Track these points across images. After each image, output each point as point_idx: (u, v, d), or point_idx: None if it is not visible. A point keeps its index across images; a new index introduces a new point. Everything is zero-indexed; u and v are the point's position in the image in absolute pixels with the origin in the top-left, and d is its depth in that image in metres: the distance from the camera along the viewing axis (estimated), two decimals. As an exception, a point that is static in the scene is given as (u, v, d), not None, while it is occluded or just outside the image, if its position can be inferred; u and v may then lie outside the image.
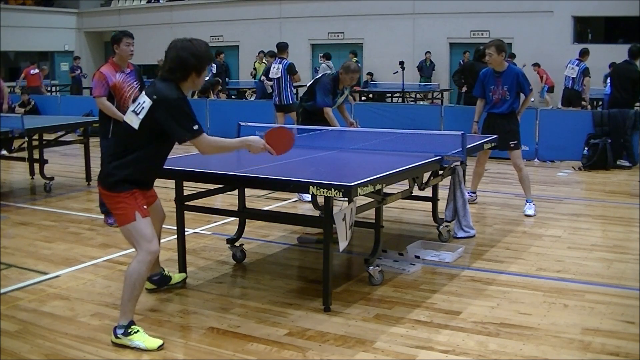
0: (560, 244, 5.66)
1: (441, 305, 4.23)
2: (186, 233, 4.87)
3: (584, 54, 12.76)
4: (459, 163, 5.28)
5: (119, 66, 6.04)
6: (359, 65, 7.05)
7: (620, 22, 18.07)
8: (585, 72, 12.53)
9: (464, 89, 12.43)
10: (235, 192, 5.05)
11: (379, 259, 4.78)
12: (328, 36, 21.92)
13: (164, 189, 4.15)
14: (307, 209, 6.90)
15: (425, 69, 19.73)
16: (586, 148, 9.68)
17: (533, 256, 5.28)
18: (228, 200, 6.21)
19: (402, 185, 5.14)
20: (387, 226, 5.65)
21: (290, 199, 7.45)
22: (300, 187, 4.31)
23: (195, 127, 3.61)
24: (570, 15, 18.46)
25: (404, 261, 5.09)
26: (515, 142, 6.72)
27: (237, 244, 5.18)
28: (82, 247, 5.60)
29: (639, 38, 14.30)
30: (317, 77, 7.22)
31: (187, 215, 4.70)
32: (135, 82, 6.15)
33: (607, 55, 14.22)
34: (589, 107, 13.18)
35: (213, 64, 16.16)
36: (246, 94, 18.36)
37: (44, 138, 8.34)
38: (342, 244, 4.08)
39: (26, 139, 8.09)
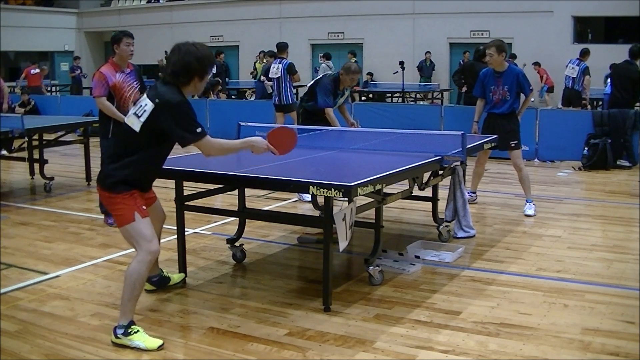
0: (560, 244, 5.67)
1: (441, 305, 4.23)
2: (186, 233, 4.87)
3: (584, 54, 12.77)
4: (459, 163, 5.28)
5: (119, 66, 6.04)
6: (359, 66, 7.03)
7: (620, 22, 18.07)
8: (585, 72, 12.54)
9: (464, 89, 12.43)
10: (235, 192, 5.05)
11: (379, 259, 4.78)
12: (328, 36, 21.92)
13: (164, 189, 4.15)
14: (307, 209, 6.90)
15: (425, 69, 19.73)
16: (586, 148, 9.68)
17: (533, 256, 5.28)
18: (228, 200, 6.21)
19: (402, 185, 5.14)
20: (387, 226, 5.65)
21: (290, 199, 7.45)
22: (300, 187, 4.31)
23: (199, 129, 3.62)
24: (570, 15, 18.46)
25: (404, 261, 5.09)
26: (516, 142, 6.72)
27: (237, 244, 5.18)
28: (82, 247, 5.60)
29: (639, 38, 14.30)
30: (318, 77, 7.22)
31: (187, 215, 4.70)
32: (135, 82, 6.16)
33: (607, 55, 14.19)
34: (588, 107, 13.18)
35: (213, 64, 16.16)
36: (246, 94, 18.37)
37: (44, 138, 8.34)
38: (342, 244, 4.08)
39: (26, 139, 8.09)
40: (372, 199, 4.61)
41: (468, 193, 6.49)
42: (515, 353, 3.53)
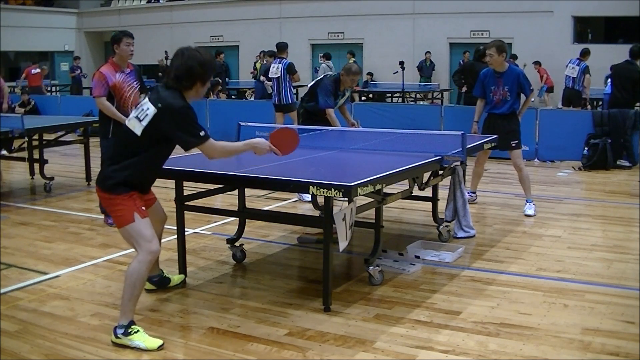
0: (560, 244, 5.67)
1: (441, 305, 4.23)
2: (186, 233, 4.87)
3: (584, 54, 12.77)
4: (459, 163, 5.28)
5: (119, 66, 6.04)
6: (359, 66, 7.04)
7: (620, 22, 18.06)
8: (585, 71, 12.55)
9: (464, 89, 12.43)
10: (235, 192, 5.05)
11: (379, 259, 4.78)
12: (328, 36, 21.92)
13: (164, 189, 4.15)
14: (307, 209, 6.90)
15: (425, 69, 19.72)
16: (586, 148, 9.68)
17: (533, 256, 5.28)
18: (228, 200, 6.21)
19: (402, 185, 5.14)
20: (387, 226, 5.65)
21: (290, 199, 7.45)
22: (300, 187, 4.31)
23: (202, 133, 3.65)
24: (570, 15, 18.46)
25: (404, 261, 5.09)
26: (516, 141, 6.72)
27: (237, 244, 5.18)
28: (82, 247, 5.60)
29: (639, 38, 14.30)
30: (319, 78, 7.22)
31: (187, 215, 4.70)
32: (135, 82, 6.16)
33: (607, 55, 14.19)
34: (588, 106, 13.18)
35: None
36: (246, 94, 18.37)
37: (44, 138, 8.34)
38: (342, 244, 4.08)
39: (26, 139, 8.09)
40: (372, 199, 4.61)
41: (468, 193, 6.49)
42: (515, 353, 3.53)
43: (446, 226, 5.79)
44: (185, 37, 24.14)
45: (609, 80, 11.37)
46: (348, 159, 5.23)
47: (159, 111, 3.58)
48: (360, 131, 6.78)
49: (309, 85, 7.28)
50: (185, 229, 4.77)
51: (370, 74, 20.02)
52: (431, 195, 5.82)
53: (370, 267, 4.58)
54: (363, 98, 17.14)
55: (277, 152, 4.03)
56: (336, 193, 3.74)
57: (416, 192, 5.31)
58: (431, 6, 19.95)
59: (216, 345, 3.64)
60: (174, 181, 4.56)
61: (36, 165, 8.24)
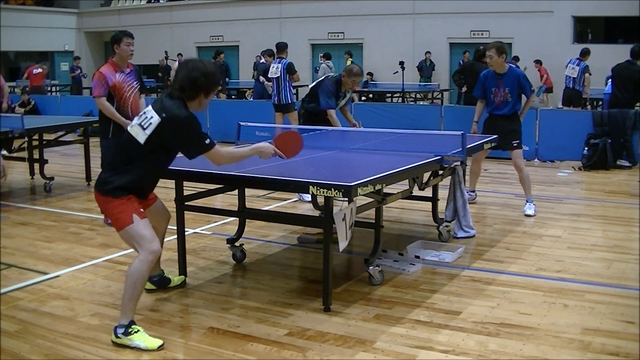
0: (560, 244, 5.67)
1: (441, 305, 4.23)
2: (186, 233, 4.87)
3: (584, 53, 12.78)
4: (459, 163, 5.28)
5: (119, 66, 6.04)
6: (360, 67, 7.04)
7: (620, 22, 18.07)
8: (585, 70, 12.55)
9: (464, 89, 12.43)
10: (235, 192, 5.05)
11: (379, 259, 4.78)
12: (328, 36, 21.92)
13: (164, 189, 4.16)
14: (307, 209, 6.90)
15: (425, 69, 19.72)
16: (586, 148, 9.68)
17: (533, 256, 5.28)
18: (228, 200, 6.21)
19: (402, 185, 5.14)
20: (387, 226, 5.65)
21: (290, 199, 7.45)
22: (300, 187, 4.32)
23: (207, 141, 3.71)
24: (570, 15, 18.46)
25: (404, 261, 5.09)
26: (518, 141, 6.72)
27: (237, 244, 5.18)
28: (82, 247, 5.60)
29: (639, 38, 14.30)
30: (320, 79, 7.22)
31: (187, 215, 4.70)
32: (135, 82, 6.15)
33: (607, 55, 14.21)
34: (588, 106, 13.18)
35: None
36: (246, 94, 18.36)
37: (44, 138, 8.34)
38: (342, 244, 4.08)
39: (26, 139, 8.09)
40: (372, 199, 4.61)
41: (467, 192, 6.49)
42: (515, 353, 3.53)
43: (446, 226, 5.79)
44: (185, 37, 24.19)
45: (610, 80, 11.38)
46: (348, 159, 5.23)
47: (163, 121, 3.61)
48: (360, 131, 6.78)
49: (310, 86, 7.28)
50: (185, 229, 4.77)
51: (370, 74, 20.01)
52: (431, 195, 5.82)
53: (370, 267, 4.58)
54: (363, 98, 17.14)
55: (281, 156, 4.09)
56: (336, 193, 3.74)
57: (416, 192, 5.31)
58: (431, 6, 19.95)
59: (216, 345, 3.64)
60: (174, 181, 4.56)
61: (36, 165, 8.24)
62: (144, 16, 25.33)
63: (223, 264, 5.16)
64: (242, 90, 18.78)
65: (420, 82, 19.53)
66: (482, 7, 19.01)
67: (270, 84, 10.95)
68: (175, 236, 4.71)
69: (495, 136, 6.27)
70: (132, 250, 4.04)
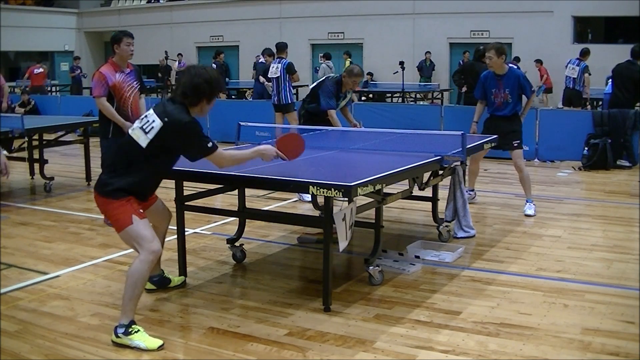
0: (560, 244, 5.67)
1: (441, 305, 4.23)
2: (186, 233, 4.87)
3: (584, 53, 12.78)
4: (459, 163, 5.28)
5: (119, 66, 6.04)
6: (361, 68, 7.04)
7: (620, 22, 18.07)
8: (585, 70, 12.55)
9: (464, 89, 12.43)
10: (235, 192, 5.05)
11: (379, 259, 4.78)
12: (328, 36, 21.92)
13: (164, 189, 4.16)
14: (307, 209, 6.90)
15: (425, 69, 19.72)
16: (586, 148, 9.68)
17: (533, 256, 5.28)
18: (228, 200, 6.21)
19: (402, 185, 5.14)
20: (387, 226, 5.65)
21: (290, 199, 7.45)
22: (300, 187, 4.32)
23: (209, 144, 3.75)
24: (570, 15, 18.46)
25: (404, 261, 5.09)
26: (518, 141, 6.72)
27: (237, 244, 5.18)
28: (82, 247, 5.60)
29: (639, 38, 14.31)
30: (320, 80, 7.22)
31: (187, 215, 4.71)
32: (135, 82, 6.15)
33: (607, 55, 14.21)
34: (588, 106, 13.17)
35: (213, 64, 16.17)
36: (246, 94, 18.37)
37: (44, 138, 8.34)
38: (342, 244, 4.08)
39: (26, 139, 8.09)
40: (372, 199, 4.61)
41: (467, 191, 6.49)
42: (515, 353, 3.53)
43: (446, 226, 5.79)
44: (185, 37, 24.20)
45: (610, 80, 11.38)
46: (348, 159, 5.23)
47: (165, 125, 3.64)
48: (360, 131, 6.78)
49: (311, 86, 7.28)
50: (185, 229, 4.77)
51: (370, 74, 20.01)
52: (431, 195, 5.82)
53: (370, 267, 4.58)
54: (363, 98, 17.14)
55: (283, 158, 4.13)
56: (336, 193, 3.74)
57: (416, 192, 5.31)
58: (431, 6, 19.95)
59: (216, 345, 3.64)
60: (174, 181, 4.56)
61: (36, 165, 8.25)
62: (144, 16, 25.34)
63: (223, 264, 5.16)
64: (242, 90, 18.78)
65: (420, 82, 19.54)
66: (482, 7, 19.01)
67: (270, 84, 10.95)
68: (175, 236, 4.71)
69: (495, 136, 6.28)
70: (132, 250, 4.04)
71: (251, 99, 16.10)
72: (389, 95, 17.67)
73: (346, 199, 3.92)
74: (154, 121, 3.67)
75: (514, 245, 5.62)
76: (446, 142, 5.51)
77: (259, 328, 3.86)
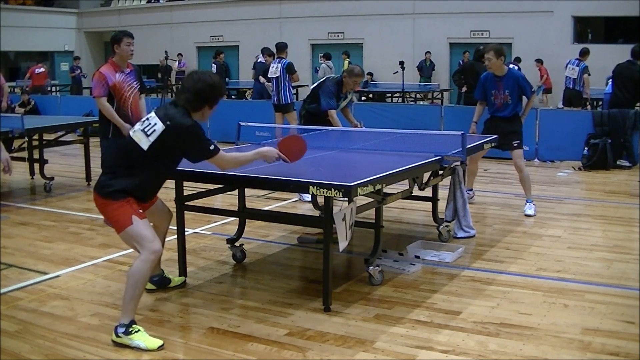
0: (560, 244, 5.67)
1: (441, 305, 4.23)
2: (186, 233, 4.87)
3: (584, 53, 12.77)
4: (459, 163, 5.28)
5: (119, 66, 6.04)
6: (361, 68, 7.04)
7: (620, 22, 18.07)
8: (584, 71, 12.54)
9: (464, 89, 12.43)
10: (235, 192, 5.05)
11: (379, 259, 4.78)
12: (328, 36, 21.92)
13: (164, 188, 4.15)
14: (307, 209, 6.90)
15: (425, 69, 19.72)
16: (586, 148, 9.68)
17: (533, 256, 5.28)
18: (228, 200, 6.21)
19: (402, 185, 5.14)
20: (387, 226, 5.66)
21: (290, 199, 7.45)
22: (300, 187, 4.32)
23: (211, 147, 3.78)
24: (570, 15, 18.45)
25: (404, 261, 5.09)
26: (518, 141, 6.71)
27: (237, 244, 5.18)
28: (82, 247, 5.60)
29: (639, 38, 14.31)
30: (321, 80, 7.21)
31: (187, 215, 4.71)
32: (135, 82, 6.15)
33: (607, 55, 14.21)
34: (589, 106, 13.16)
35: (213, 64, 16.17)
36: (246, 94, 18.36)
37: (44, 138, 8.34)
38: (342, 244, 4.08)
39: (26, 139, 8.09)
40: (372, 199, 4.61)
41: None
42: (515, 353, 3.53)
43: (446, 226, 5.79)
44: (185, 37, 24.19)
45: (610, 80, 11.38)
46: (348, 159, 5.23)
47: (167, 128, 3.66)
48: (360, 131, 6.78)
49: (312, 87, 7.28)
50: (185, 229, 4.77)
51: (370, 74, 20.01)
52: (431, 195, 5.82)
53: (370, 267, 4.58)
54: (363, 98, 17.14)
55: (285, 160, 4.16)
56: (336, 193, 3.74)
57: (416, 192, 5.31)
58: (431, 6, 19.94)
59: (216, 345, 3.64)
60: (174, 181, 4.56)
61: (36, 165, 8.24)
62: (144, 16, 25.33)
63: (223, 264, 5.16)
64: (242, 90, 18.78)
65: (420, 82, 19.53)
66: (482, 7, 19.01)
67: (270, 84, 10.95)
68: (175, 236, 4.71)
69: (495, 136, 6.27)
70: (132, 250, 4.04)
71: (251, 99, 16.10)
72: (389, 95, 17.67)
73: (346, 199, 3.92)
74: (155, 124, 3.68)
75: (514, 245, 5.62)
76: (446, 142, 5.51)
77: (259, 328, 3.86)
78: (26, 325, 3.91)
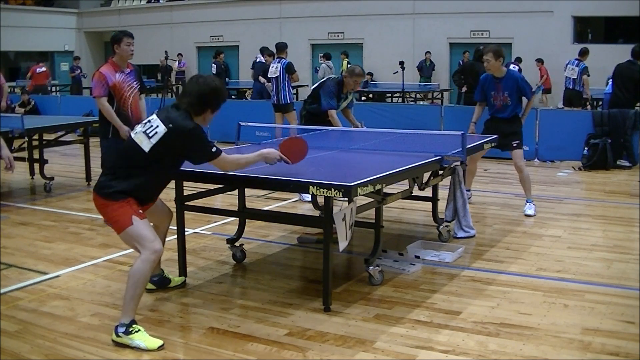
0: (560, 244, 5.67)
1: (441, 305, 4.23)
2: (186, 233, 4.87)
3: (583, 53, 12.77)
4: (458, 163, 5.28)
5: (119, 66, 6.04)
6: (362, 68, 7.03)
7: (620, 22, 18.07)
8: (584, 71, 12.54)
9: (464, 88, 12.43)
10: (235, 192, 5.05)
11: (379, 259, 4.78)
12: (328, 36, 21.92)
13: (164, 188, 4.17)
14: (307, 209, 6.90)
15: (425, 69, 19.72)
16: (586, 148, 9.68)
17: (533, 256, 5.28)
18: (228, 200, 6.21)
19: (402, 185, 5.14)
20: (387, 226, 5.65)
21: (290, 199, 7.45)
22: (300, 187, 4.32)
23: (213, 149, 3.80)
24: (570, 15, 18.46)
25: (404, 261, 5.09)
26: (518, 142, 6.71)
27: (237, 244, 5.18)
28: (82, 247, 5.60)
29: (639, 38, 14.31)
30: (322, 80, 7.21)
31: (187, 215, 4.70)
32: (135, 82, 6.15)
33: (607, 55, 14.22)
34: (588, 106, 13.16)
35: (213, 64, 16.18)
36: (246, 94, 18.37)
37: (44, 138, 8.34)
38: (342, 244, 4.08)
39: (26, 139, 8.09)
40: (372, 199, 4.61)
41: (466, 192, 6.49)
42: (515, 353, 3.53)
43: (446, 226, 5.79)
44: (185, 37, 24.19)
45: (610, 80, 11.38)
46: (348, 159, 5.23)
47: (169, 131, 3.67)
48: (360, 131, 6.78)
49: (312, 87, 7.28)
50: (185, 229, 4.77)
51: (370, 74, 20.00)
52: (431, 195, 5.82)
53: (370, 267, 4.58)
54: (363, 98, 17.14)
55: (287, 161, 4.17)
56: (336, 193, 3.74)
57: (416, 192, 5.31)
58: (431, 6, 19.95)
59: (216, 345, 3.64)
60: (174, 181, 4.56)
61: (36, 165, 8.24)
62: (144, 16, 25.34)
63: (223, 264, 5.16)
64: (242, 90, 18.78)
65: (420, 82, 19.53)
66: (482, 7, 19.01)
67: (270, 84, 10.95)
68: (175, 236, 4.72)
69: (495, 136, 6.27)
70: (132, 250, 4.04)
71: (250, 99, 16.10)
72: (389, 95, 17.67)
73: (346, 199, 3.92)
74: (157, 126, 3.69)
75: (514, 245, 5.62)
76: (446, 142, 5.51)
77: (259, 328, 3.86)
78: (26, 325, 3.91)
